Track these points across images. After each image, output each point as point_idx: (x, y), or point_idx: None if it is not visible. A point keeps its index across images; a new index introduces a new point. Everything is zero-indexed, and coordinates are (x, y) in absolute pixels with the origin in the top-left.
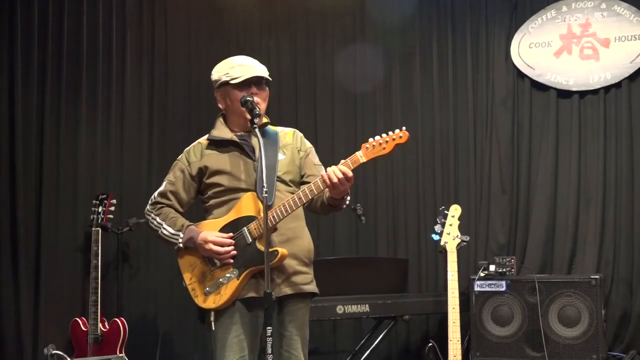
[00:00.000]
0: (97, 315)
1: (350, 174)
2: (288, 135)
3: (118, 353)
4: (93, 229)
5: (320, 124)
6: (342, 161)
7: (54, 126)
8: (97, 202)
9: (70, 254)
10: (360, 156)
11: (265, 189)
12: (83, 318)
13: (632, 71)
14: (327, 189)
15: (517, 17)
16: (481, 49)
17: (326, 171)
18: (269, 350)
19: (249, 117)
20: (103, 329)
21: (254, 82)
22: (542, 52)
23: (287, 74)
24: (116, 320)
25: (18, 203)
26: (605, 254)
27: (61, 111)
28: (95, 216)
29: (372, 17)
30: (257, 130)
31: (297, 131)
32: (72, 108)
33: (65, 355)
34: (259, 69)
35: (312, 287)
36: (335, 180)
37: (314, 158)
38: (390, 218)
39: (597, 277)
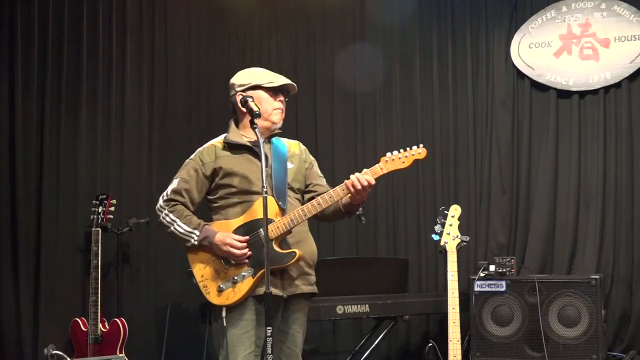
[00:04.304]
0: (97, 316)
1: (373, 182)
2: (293, 146)
3: (118, 353)
4: (93, 229)
5: (320, 124)
6: (365, 170)
7: (54, 126)
8: (97, 202)
9: (70, 254)
10: (381, 168)
11: (265, 189)
12: (83, 318)
13: (632, 71)
14: (343, 197)
15: (517, 17)
16: (481, 49)
17: (349, 178)
18: (269, 350)
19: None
20: (103, 329)
21: (281, 90)
22: (542, 52)
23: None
24: (116, 321)
25: (18, 203)
26: (605, 254)
27: (61, 111)
28: (95, 216)
29: (372, 17)
30: (256, 130)
31: (301, 143)
32: (72, 108)
33: (65, 355)
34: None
35: (316, 289)
36: (359, 187)
37: (317, 170)
38: (390, 218)
39: (597, 277)
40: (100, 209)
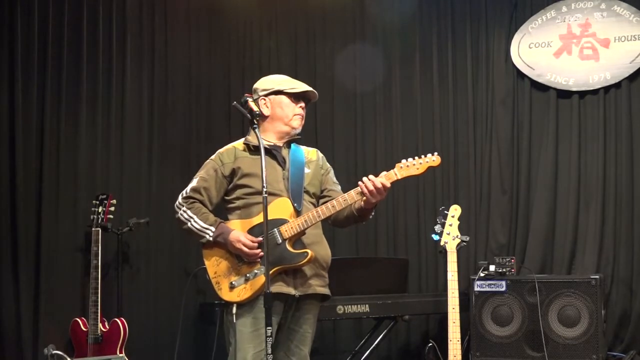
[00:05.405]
0: (97, 316)
1: (388, 184)
2: (311, 153)
3: (118, 353)
4: (93, 229)
5: (320, 124)
6: (382, 174)
7: (54, 126)
8: (97, 202)
9: (70, 254)
10: (395, 174)
11: (265, 190)
12: (83, 318)
13: (631, 71)
14: (357, 201)
15: (517, 17)
16: (481, 49)
17: (363, 181)
18: (269, 350)
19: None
20: (103, 329)
21: (302, 97)
22: (542, 52)
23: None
24: (116, 321)
25: (18, 203)
26: (605, 254)
27: (61, 111)
28: (95, 216)
29: (372, 17)
30: (256, 130)
31: (319, 151)
32: (72, 108)
33: (65, 355)
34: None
35: (329, 291)
36: (372, 188)
37: (333, 177)
38: (390, 218)
39: (597, 277)
40: (100, 209)
